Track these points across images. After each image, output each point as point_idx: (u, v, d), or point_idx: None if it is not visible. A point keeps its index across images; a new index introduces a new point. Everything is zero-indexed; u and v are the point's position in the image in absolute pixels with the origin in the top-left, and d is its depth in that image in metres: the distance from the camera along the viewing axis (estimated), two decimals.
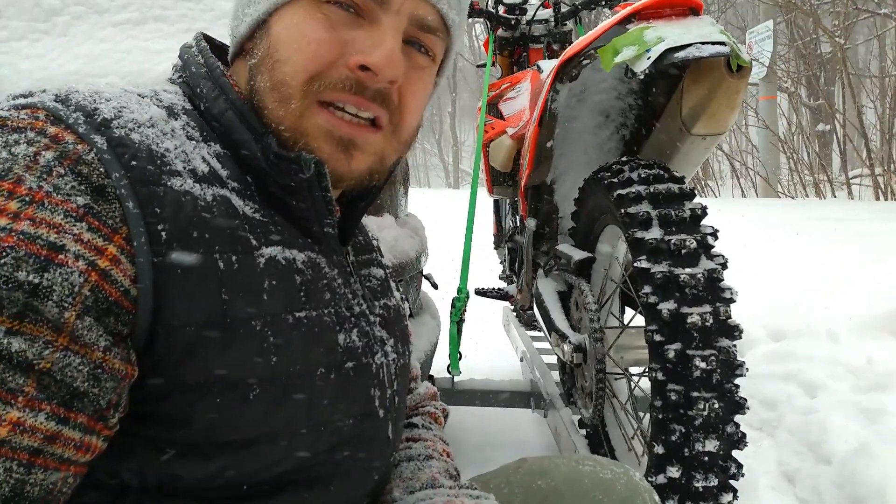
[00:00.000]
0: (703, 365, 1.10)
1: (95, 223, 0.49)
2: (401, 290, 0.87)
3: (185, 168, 0.56)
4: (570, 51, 1.46)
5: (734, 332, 1.14)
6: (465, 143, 25.69)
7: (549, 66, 2.03)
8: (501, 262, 2.91)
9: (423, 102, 0.69)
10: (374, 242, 0.86)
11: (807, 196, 7.80)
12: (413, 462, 0.77)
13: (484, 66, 2.74)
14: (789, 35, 8.50)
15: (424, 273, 2.28)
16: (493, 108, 2.44)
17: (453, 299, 2.05)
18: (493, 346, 3.09)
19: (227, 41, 0.72)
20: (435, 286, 2.29)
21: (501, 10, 2.55)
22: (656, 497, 0.78)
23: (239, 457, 0.56)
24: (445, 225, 4.25)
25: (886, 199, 6.73)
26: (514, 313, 2.88)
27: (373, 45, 0.61)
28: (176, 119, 0.60)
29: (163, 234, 0.52)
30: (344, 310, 0.66)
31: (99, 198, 0.50)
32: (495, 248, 2.99)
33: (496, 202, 2.93)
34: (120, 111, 0.55)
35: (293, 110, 0.61)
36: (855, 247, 3.28)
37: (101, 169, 0.51)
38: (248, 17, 0.65)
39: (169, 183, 0.54)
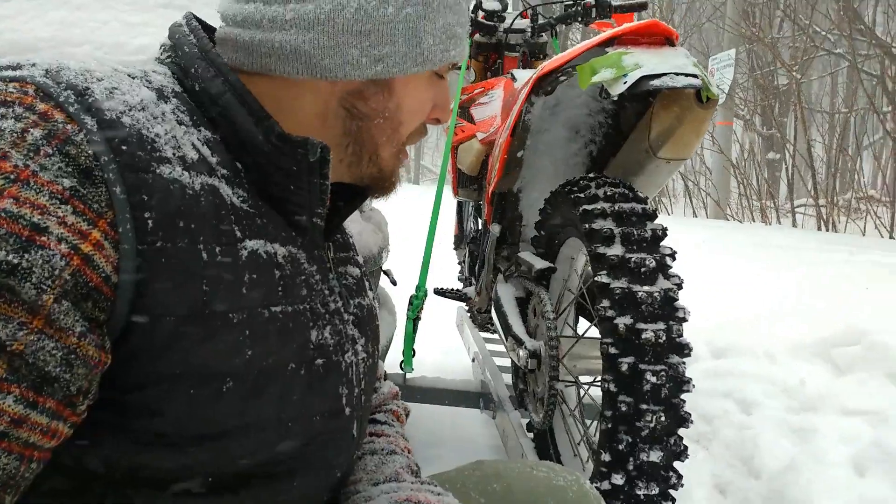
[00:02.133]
0: (653, 379, 1.15)
1: (80, 206, 0.48)
2: (373, 290, 0.89)
3: (174, 155, 0.55)
4: (548, 66, 1.50)
5: (684, 349, 1.20)
6: (427, 138, 25.69)
7: (523, 75, 2.07)
8: (460, 263, 2.95)
9: None
10: (352, 241, 0.86)
11: (754, 220, 8.08)
12: (377, 455, 0.78)
13: (458, 68, 2.77)
14: (749, 65, 8.80)
15: (384, 269, 2.29)
16: (464, 111, 2.47)
17: (411, 297, 2.07)
18: (444, 345, 3.12)
19: (209, 18, 0.70)
20: (394, 282, 2.31)
21: (480, 15, 2.58)
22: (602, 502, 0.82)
23: (208, 449, 0.56)
24: (405, 220, 4.26)
25: (827, 229, 7.04)
26: (469, 314, 2.92)
27: (446, 103, 0.69)
28: (166, 102, 0.58)
29: (149, 222, 0.51)
30: (319, 306, 0.66)
31: (85, 181, 0.49)
32: (455, 249, 3.02)
33: (459, 204, 2.96)
34: (112, 92, 0.54)
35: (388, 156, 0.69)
36: (796, 274, 3.44)
37: (90, 151, 0.49)
38: (365, 68, 0.62)
39: (158, 170, 0.53)
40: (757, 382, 2.37)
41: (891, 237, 6.49)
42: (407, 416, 0.95)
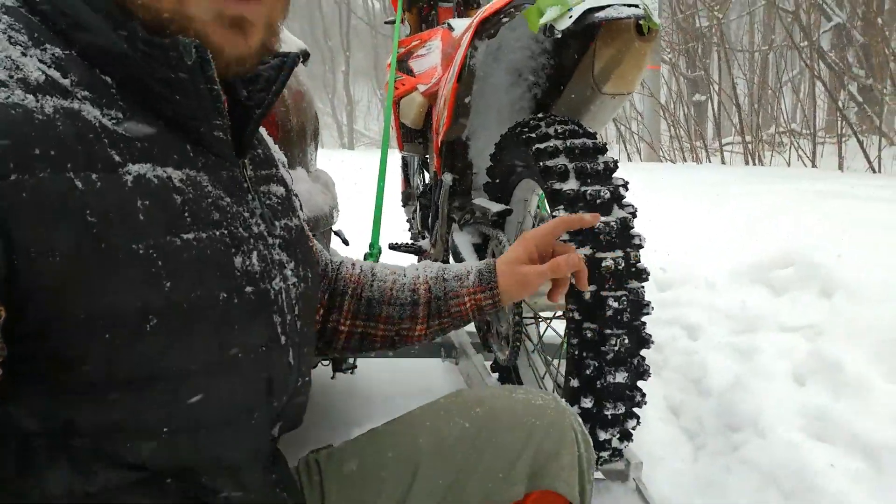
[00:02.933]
0: (615, 305, 1.21)
1: None
2: (304, 211, 0.87)
3: (11, 77, 0.48)
4: (489, 9, 1.50)
5: (642, 274, 1.25)
6: (359, 102, 25.24)
7: (460, 24, 2.07)
8: (409, 220, 2.95)
9: None
10: (276, 156, 0.80)
11: (685, 161, 8.34)
12: (385, 268, 0.93)
13: (392, 22, 2.73)
14: (671, 9, 8.95)
15: (335, 230, 2.28)
16: (402, 64, 2.45)
17: (365, 255, 2.08)
18: None
19: None
20: (346, 242, 2.30)
21: None
22: (579, 420, 0.86)
23: (146, 395, 0.54)
24: (347, 185, 4.21)
25: (755, 164, 7.34)
26: None
27: None
28: None
29: None
30: (241, 230, 0.61)
31: None
32: (403, 206, 3.02)
33: (404, 160, 2.96)
34: None
35: None
36: (729, 207, 3.59)
37: None
38: None
39: None
40: (701, 309, 2.50)
41: (814, 165, 6.82)
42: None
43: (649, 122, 9.43)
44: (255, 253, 0.63)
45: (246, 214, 0.63)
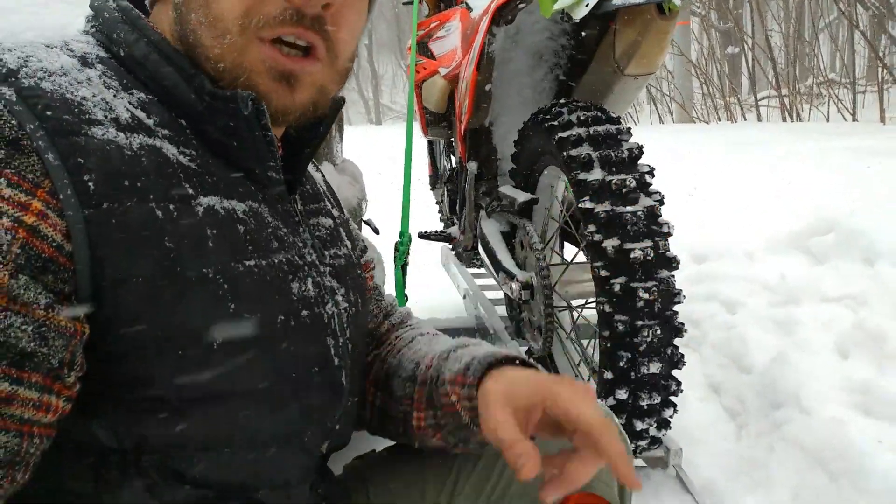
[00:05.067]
0: (646, 296, 1.19)
1: (15, 178, 0.48)
2: (359, 240, 0.89)
3: (105, 117, 0.54)
4: None
5: (672, 263, 1.23)
6: (383, 76, 25.13)
7: (477, 3, 2.03)
8: (438, 203, 2.95)
9: (357, 32, 0.68)
10: (323, 190, 0.84)
11: (720, 120, 8.12)
12: (426, 336, 0.84)
13: (410, 3, 2.69)
14: None
15: (365, 219, 2.29)
16: (422, 46, 2.42)
17: (396, 243, 2.08)
18: (433, 284, 3.16)
19: None
20: (376, 231, 2.31)
21: None
22: (616, 420, 0.85)
23: (212, 412, 0.57)
24: (377, 162, 4.22)
25: (792, 119, 7.11)
26: (454, 253, 2.94)
27: None
28: (91, 68, 0.57)
29: (90, 184, 0.50)
30: (296, 258, 0.66)
31: (15, 152, 0.48)
32: (431, 189, 3.01)
33: (430, 143, 2.94)
34: (26, 60, 0.53)
35: (231, 46, 0.59)
36: (766, 170, 3.50)
37: (14, 121, 0.48)
38: None
39: (90, 132, 0.52)
40: (739, 282, 2.45)
41: (854, 119, 6.58)
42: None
43: (680, 81, 9.18)
44: (309, 279, 0.66)
45: (300, 244, 0.68)
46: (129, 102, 0.57)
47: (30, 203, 0.48)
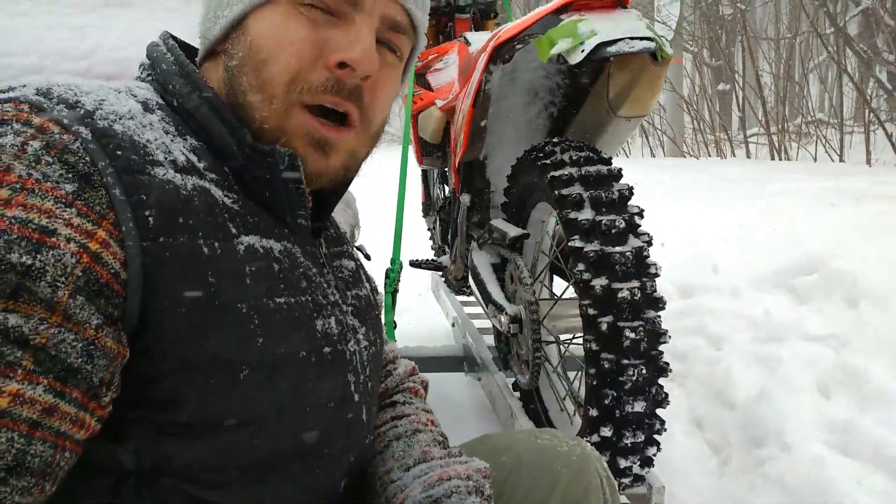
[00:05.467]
0: (632, 335, 1.21)
1: (84, 209, 0.52)
2: (373, 281, 0.92)
3: (165, 159, 0.59)
4: (503, 35, 1.51)
5: (659, 303, 1.26)
6: None
7: (476, 38, 2.08)
8: (429, 230, 2.98)
9: (390, 99, 0.73)
10: (345, 235, 0.89)
11: (709, 155, 8.24)
12: (402, 440, 0.81)
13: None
14: None
15: (357, 245, 2.31)
16: (420, 77, 2.47)
17: (387, 270, 2.10)
18: (422, 311, 3.17)
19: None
20: (368, 257, 2.33)
21: None
22: (605, 464, 0.87)
23: (229, 438, 0.59)
24: (371, 187, 4.23)
25: (780, 158, 7.22)
26: (444, 280, 2.96)
27: (351, 43, 0.65)
28: (152, 113, 0.62)
29: (150, 219, 0.55)
30: (321, 297, 0.69)
31: (86, 185, 0.52)
32: (424, 216, 3.04)
33: (424, 171, 2.98)
34: (101, 103, 0.58)
35: (277, 110, 0.65)
36: (753, 208, 3.56)
37: (87, 158, 0.53)
38: (222, 18, 0.67)
39: (152, 172, 0.56)
40: (724, 318, 2.48)
41: (841, 160, 6.69)
42: (426, 388, 0.97)
43: (672, 116, 9.33)
44: (332, 318, 0.70)
45: (324, 284, 0.71)
46: (184, 147, 0.62)
47: (95, 232, 0.52)
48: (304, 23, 0.64)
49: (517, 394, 1.79)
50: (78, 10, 1.53)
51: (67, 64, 1.44)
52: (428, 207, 2.95)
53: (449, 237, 2.17)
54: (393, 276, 2.10)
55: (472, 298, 2.63)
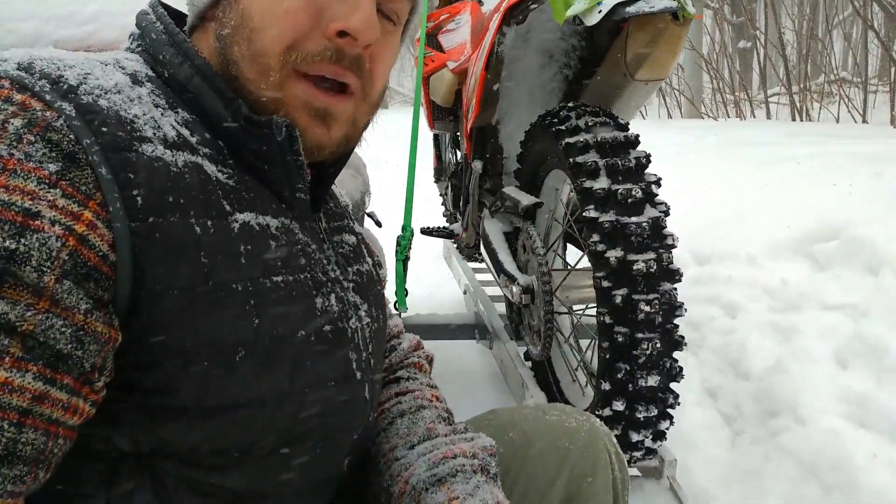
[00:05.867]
0: (647, 308, 1.18)
1: (69, 189, 0.50)
2: (375, 255, 0.89)
3: (154, 134, 0.56)
4: None
5: (675, 275, 1.23)
6: None
7: None
8: (441, 195, 2.94)
9: (389, 66, 0.70)
10: (346, 208, 0.86)
11: (728, 116, 8.07)
12: (406, 416, 0.80)
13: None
14: None
15: (367, 212, 2.28)
16: (431, 38, 2.40)
17: (398, 237, 2.07)
18: (433, 279, 3.16)
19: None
20: (379, 224, 2.30)
21: None
22: (614, 440, 0.85)
23: (228, 421, 0.58)
24: (383, 149, 4.19)
25: (801, 119, 7.05)
26: (456, 247, 2.94)
27: (349, 11, 0.62)
28: (141, 86, 0.60)
29: (138, 199, 0.53)
30: (320, 275, 0.67)
31: (71, 164, 0.50)
32: (435, 182, 3.00)
33: (436, 136, 2.92)
34: (85, 77, 0.55)
35: (273, 81, 0.62)
36: (772, 171, 3.47)
37: (72, 136, 0.51)
38: None
39: (140, 149, 0.54)
40: (740, 286, 2.44)
41: (864, 121, 6.53)
42: (431, 363, 0.95)
43: (690, 76, 9.11)
44: (332, 295, 0.68)
45: (324, 261, 0.69)
46: (175, 120, 0.60)
47: (81, 213, 0.50)
48: None
49: (529, 364, 1.78)
50: None
51: (69, 29, 1.40)
52: (440, 173, 2.91)
53: (461, 204, 2.13)
54: (404, 243, 2.07)
55: (483, 265, 2.60)
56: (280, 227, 0.64)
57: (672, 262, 1.23)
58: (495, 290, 2.43)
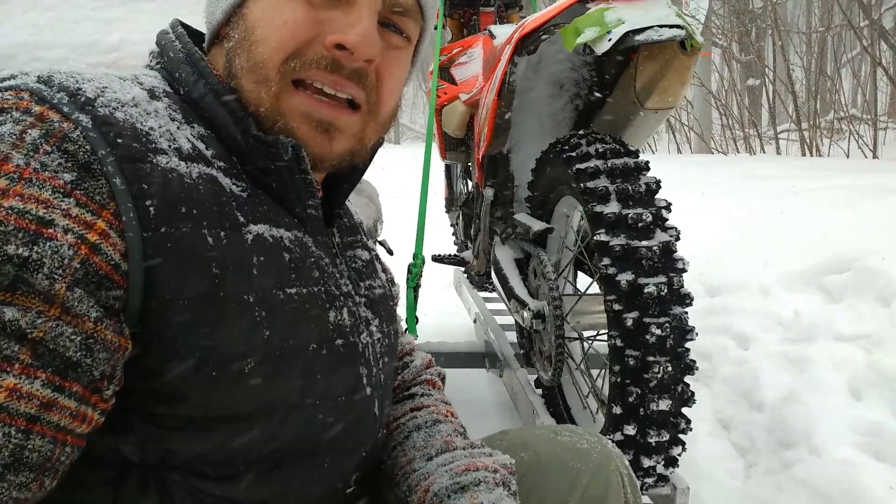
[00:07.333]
0: (658, 331, 1.19)
1: (83, 199, 0.51)
2: (389, 272, 0.90)
3: (169, 146, 0.57)
4: (528, 25, 1.49)
5: (685, 299, 1.23)
6: (404, 96, 25.23)
7: (500, 31, 2.05)
8: (452, 225, 2.96)
9: (400, 83, 0.71)
10: (360, 224, 0.87)
11: (738, 152, 8.10)
12: (423, 430, 0.80)
13: (433, 28, 2.72)
14: None
15: (379, 240, 2.31)
16: (444, 72, 2.45)
17: (409, 265, 2.09)
18: (444, 307, 3.16)
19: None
20: (390, 252, 2.32)
21: None
22: (626, 462, 0.85)
23: (236, 432, 0.58)
24: (394, 183, 4.24)
25: (811, 154, 7.07)
26: (467, 276, 2.95)
27: (349, 25, 0.63)
28: (158, 100, 0.61)
29: (151, 209, 0.53)
30: (333, 288, 0.68)
31: (86, 174, 0.51)
32: (446, 212, 3.03)
33: (447, 166, 2.96)
34: (102, 90, 0.56)
35: (270, 91, 0.62)
36: (783, 203, 3.48)
37: (87, 146, 0.52)
38: (223, 2, 0.66)
39: (154, 160, 0.55)
40: (752, 317, 2.43)
41: (874, 156, 6.53)
42: (443, 380, 0.96)
43: (700, 111, 9.18)
44: (345, 309, 0.68)
45: (336, 275, 0.70)
46: (191, 134, 0.61)
47: (94, 223, 0.51)
48: (301, 3, 0.62)
49: (539, 391, 1.77)
50: (106, 4, 1.54)
51: (94, 57, 1.45)
52: (451, 202, 2.93)
53: (472, 232, 2.15)
54: (415, 270, 2.09)
55: (494, 294, 2.61)
56: (293, 240, 0.64)
57: (683, 286, 1.23)
58: (505, 319, 2.43)
